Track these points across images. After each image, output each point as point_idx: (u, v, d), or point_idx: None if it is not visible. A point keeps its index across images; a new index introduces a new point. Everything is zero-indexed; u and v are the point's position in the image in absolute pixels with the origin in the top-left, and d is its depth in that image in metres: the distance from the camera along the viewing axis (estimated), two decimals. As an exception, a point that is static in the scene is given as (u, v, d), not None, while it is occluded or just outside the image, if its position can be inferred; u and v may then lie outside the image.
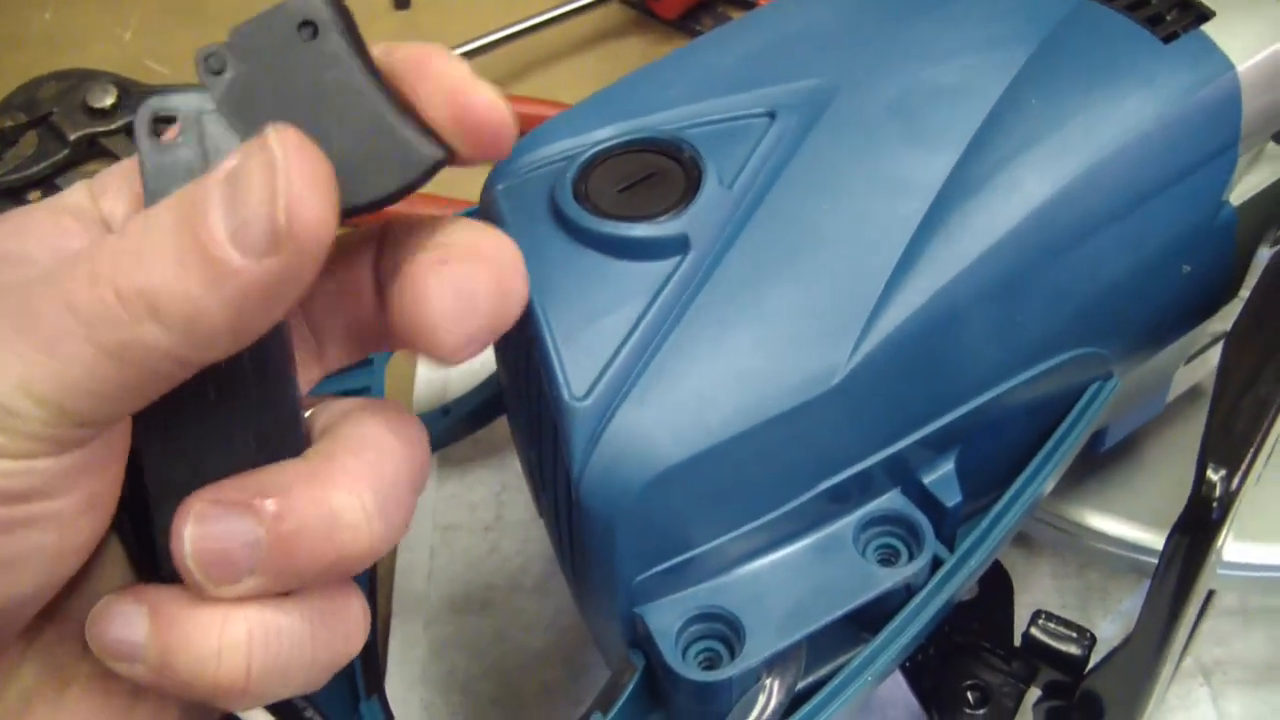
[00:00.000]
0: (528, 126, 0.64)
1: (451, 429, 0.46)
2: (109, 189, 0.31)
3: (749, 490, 0.32)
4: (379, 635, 0.48)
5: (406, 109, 0.29)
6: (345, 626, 0.30)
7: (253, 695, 0.28)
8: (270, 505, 0.27)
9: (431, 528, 0.53)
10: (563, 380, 0.31)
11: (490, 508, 0.53)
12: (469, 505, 0.54)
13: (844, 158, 0.34)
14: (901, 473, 0.34)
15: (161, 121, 0.28)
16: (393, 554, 0.51)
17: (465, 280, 0.28)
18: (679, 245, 0.32)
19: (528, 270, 0.29)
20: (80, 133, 0.66)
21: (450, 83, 0.29)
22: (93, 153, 0.67)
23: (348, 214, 0.28)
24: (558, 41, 0.72)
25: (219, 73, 0.28)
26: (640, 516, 0.31)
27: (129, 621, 0.28)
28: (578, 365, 0.31)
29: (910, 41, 0.37)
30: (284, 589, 0.28)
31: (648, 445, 0.31)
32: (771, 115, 0.35)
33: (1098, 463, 0.45)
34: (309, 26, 0.28)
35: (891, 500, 0.34)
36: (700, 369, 0.31)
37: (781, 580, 0.33)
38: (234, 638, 0.28)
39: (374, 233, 0.32)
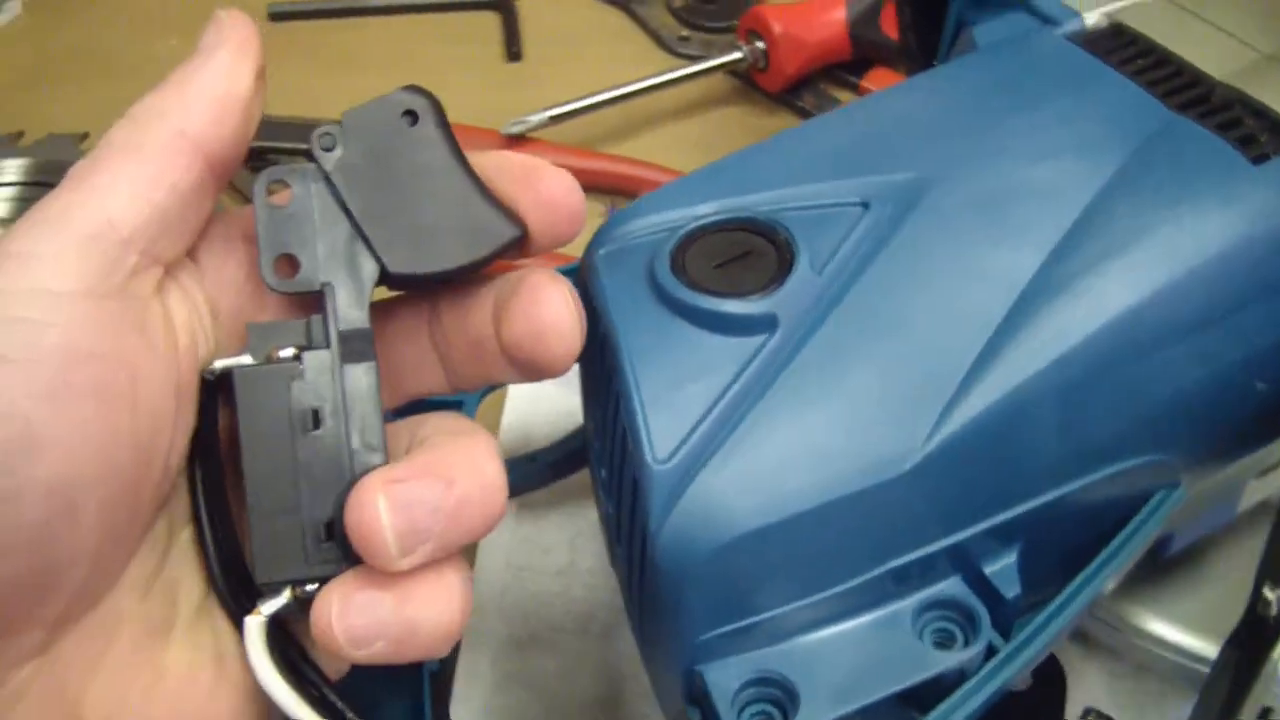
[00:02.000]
0: (626, 186, 0.68)
1: (536, 475, 0.48)
2: (208, 246, 0.35)
3: (816, 563, 0.33)
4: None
5: (489, 191, 0.33)
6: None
7: (456, 637, 0.32)
8: (446, 472, 0.31)
9: (505, 566, 0.54)
10: (647, 442, 0.32)
11: (564, 553, 0.55)
12: (543, 549, 0.55)
13: (933, 251, 0.35)
14: (964, 560, 0.35)
15: (276, 187, 0.33)
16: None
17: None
18: (768, 323, 0.34)
19: (623, 331, 0.33)
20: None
21: (529, 170, 0.34)
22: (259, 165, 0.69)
23: (431, 280, 0.33)
24: (663, 105, 0.73)
25: (329, 150, 0.33)
26: (710, 578, 0.32)
27: (372, 606, 0.31)
28: (662, 429, 0.33)
29: (1004, 141, 0.38)
30: (445, 554, 0.32)
31: (723, 511, 0.32)
32: (865, 205, 0.36)
33: (1162, 566, 0.46)
34: (410, 115, 0.33)
35: (952, 586, 0.35)
36: (779, 443, 0.32)
37: (839, 652, 0.34)
38: (459, 594, 0.32)
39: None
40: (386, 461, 0.33)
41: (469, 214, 0.33)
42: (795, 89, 0.74)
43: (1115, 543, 0.37)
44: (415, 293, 0.36)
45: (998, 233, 0.36)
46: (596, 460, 0.39)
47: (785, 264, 0.35)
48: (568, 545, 0.55)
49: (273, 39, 0.77)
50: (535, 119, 0.68)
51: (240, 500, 0.33)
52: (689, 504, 0.32)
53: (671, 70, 0.72)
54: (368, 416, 0.33)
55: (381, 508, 0.30)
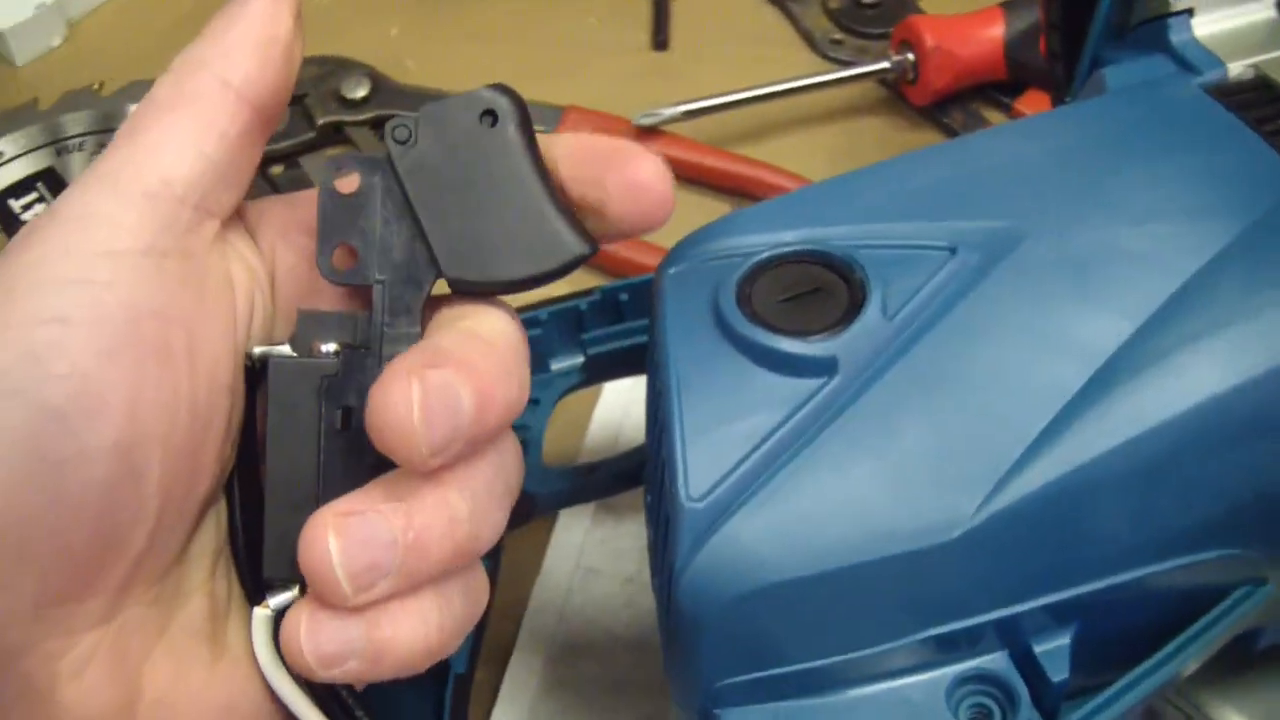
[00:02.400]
0: (753, 189, 0.66)
1: (593, 487, 0.47)
2: (269, 222, 0.35)
3: (846, 623, 0.32)
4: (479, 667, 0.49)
5: (564, 204, 0.32)
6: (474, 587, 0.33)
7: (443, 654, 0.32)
8: (400, 507, 0.30)
9: (574, 567, 0.53)
10: (683, 478, 0.31)
11: (635, 559, 0.54)
12: (615, 552, 0.54)
13: (1015, 308, 0.33)
14: (1011, 636, 0.33)
15: (342, 174, 0.32)
16: (528, 589, 0.52)
17: None
18: (827, 367, 0.32)
19: (676, 358, 0.33)
20: (328, 119, 0.69)
21: (619, 154, 0.33)
22: (338, 139, 0.70)
23: (493, 289, 0.32)
24: (804, 109, 0.72)
25: (403, 142, 0.32)
26: (730, 626, 0.31)
27: (341, 627, 0.30)
28: (700, 465, 0.31)
29: (1110, 196, 0.36)
30: (411, 587, 0.31)
31: (751, 559, 0.31)
32: (952, 250, 0.35)
33: (1253, 659, 0.43)
34: (490, 115, 0.32)
35: (995, 661, 0.33)
36: (820, 494, 0.31)
37: (865, 715, 0.33)
38: (447, 611, 0.31)
39: None
40: None
41: (538, 225, 0.32)
42: (944, 105, 0.71)
43: (1181, 639, 0.35)
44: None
45: (1087, 296, 0.33)
46: (646, 482, 0.38)
47: (855, 305, 0.33)
48: (640, 553, 0.54)
49: (425, 5, 0.78)
50: (668, 112, 0.67)
51: None
52: (717, 547, 0.31)
53: (817, 74, 0.70)
54: None
55: (331, 545, 0.30)
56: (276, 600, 0.32)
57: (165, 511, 0.30)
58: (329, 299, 0.34)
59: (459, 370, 0.30)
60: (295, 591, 0.32)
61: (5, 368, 0.28)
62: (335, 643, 0.30)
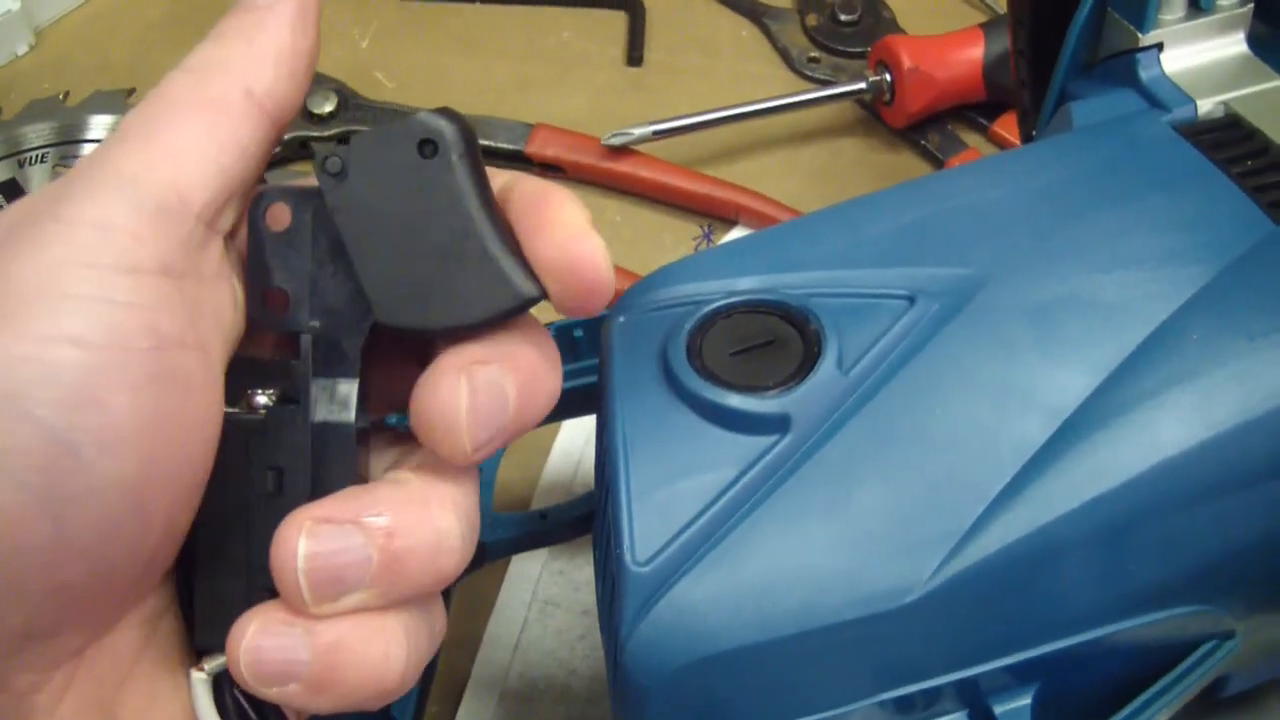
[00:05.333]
0: (724, 212, 0.65)
1: (544, 533, 0.46)
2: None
3: (799, 689, 0.31)
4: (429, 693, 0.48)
5: (510, 242, 0.29)
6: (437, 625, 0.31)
7: (395, 693, 0.30)
8: (382, 521, 0.28)
9: (531, 599, 0.52)
10: (628, 540, 0.30)
11: (593, 592, 0.53)
12: (573, 584, 0.53)
13: (975, 361, 0.32)
14: (970, 697, 0.32)
15: (274, 207, 0.30)
16: (482, 624, 0.51)
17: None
18: (779, 424, 0.31)
19: (623, 414, 0.31)
20: (294, 134, 0.68)
21: (564, 228, 0.29)
22: (303, 154, 0.68)
23: (432, 335, 0.30)
24: (780, 128, 0.71)
25: (336, 174, 0.29)
26: (678, 693, 0.30)
27: (291, 642, 0.28)
28: (647, 527, 0.30)
29: (1075, 241, 0.35)
30: (382, 606, 0.29)
31: (699, 626, 0.30)
32: (911, 299, 0.33)
33: (1219, 705, 0.42)
34: (429, 145, 0.29)
35: (955, 723, 0.33)
36: (770, 558, 0.30)
37: (821, 780, 0.32)
38: (402, 646, 0.29)
39: None
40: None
41: (481, 266, 0.29)
42: (921, 126, 0.70)
43: (1147, 695, 0.34)
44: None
45: (1050, 347, 0.32)
46: (594, 537, 0.37)
47: (810, 358, 0.32)
48: (600, 586, 0.53)
49: (396, 16, 0.77)
50: (639, 132, 0.66)
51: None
52: (663, 613, 0.30)
53: (791, 94, 0.68)
54: (336, 484, 0.30)
55: (300, 549, 0.28)
56: (214, 664, 0.30)
57: (162, 547, 0.29)
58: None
59: (504, 366, 0.29)
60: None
61: (18, 389, 0.25)
62: (279, 658, 0.28)
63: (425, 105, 0.71)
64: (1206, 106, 0.40)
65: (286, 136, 0.66)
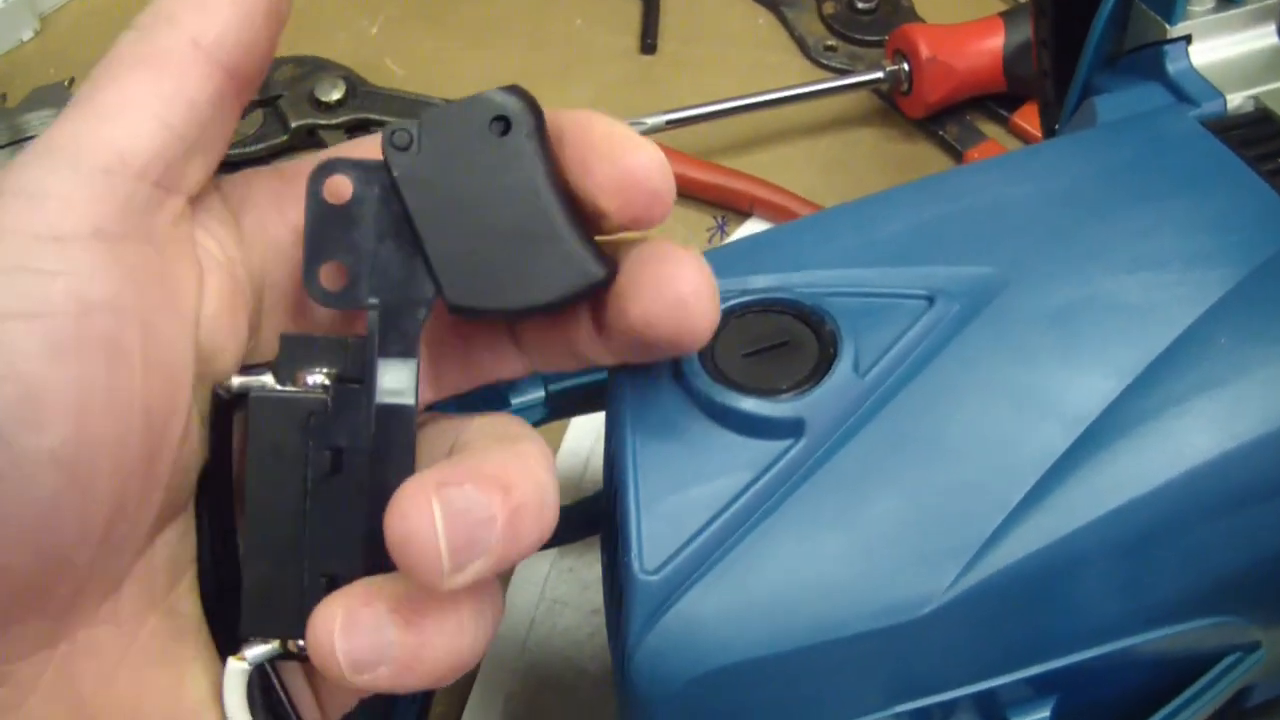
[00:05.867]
0: (738, 203, 0.64)
1: (554, 534, 0.45)
2: (254, 202, 0.31)
3: (811, 703, 0.30)
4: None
5: (579, 222, 0.29)
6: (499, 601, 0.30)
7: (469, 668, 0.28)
8: (501, 477, 0.27)
9: (539, 598, 0.52)
10: (636, 548, 0.29)
11: (602, 592, 0.52)
12: (582, 584, 0.52)
13: (995, 365, 0.31)
14: (987, 710, 0.31)
15: (334, 178, 0.29)
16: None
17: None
18: (793, 429, 0.30)
19: (633, 418, 0.30)
20: (302, 121, 0.67)
21: (611, 142, 0.29)
22: (310, 142, 0.68)
23: (500, 316, 0.30)
24: (795, 118, 0.69)
25: (403, 149, 0.28)
26: (684, 706, 0.29)
27: (379, 626, 0.27)
28: (655, 535, 0.29)
29: (1099, 241, 0.34)
30: (501, 571, 0.27)
31: (709, 638, 0.29)
32: (930, 300, 0.32)
33: (1243, 715, 0.41)
34: (501, 121, 0.28)
35: (972, 736, 0.32)
36: (782, 568, 0.29)
37: (832, 793, 0.31)
38: (480, 623, 0.28)
39: None
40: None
41: (552, 246, 0.28)
42: (939, 117, 0.69)
43: (1169, 708, 0.33)
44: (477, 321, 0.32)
45: (1072, 351, 0.31)
46: (602, 542, 0.36)
47: (825, 360, 0.31)
48: (609, 585, 0.52)
49: (405, 3, 0.76)
50: (652, 121, 0.65)
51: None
52: (671, 624, 0.29)
53: (807, 84, 0.67)
54: (396, 467, 0.29)
55: (437, 514, 0.26)
56: (254, 652, 0.29)
57: (115, 526, 0.27)
58: (319, 313, 0.31)
59: (483, 486, 0.27)
60: (275, 645, 0.29)
61: None
62: (370, 645, 0.27)
63: (435, 93, 0.71)
64: (1236, 101, 0.38)
65: (295, 124, 0.66)
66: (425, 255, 0.29)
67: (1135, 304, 0.32)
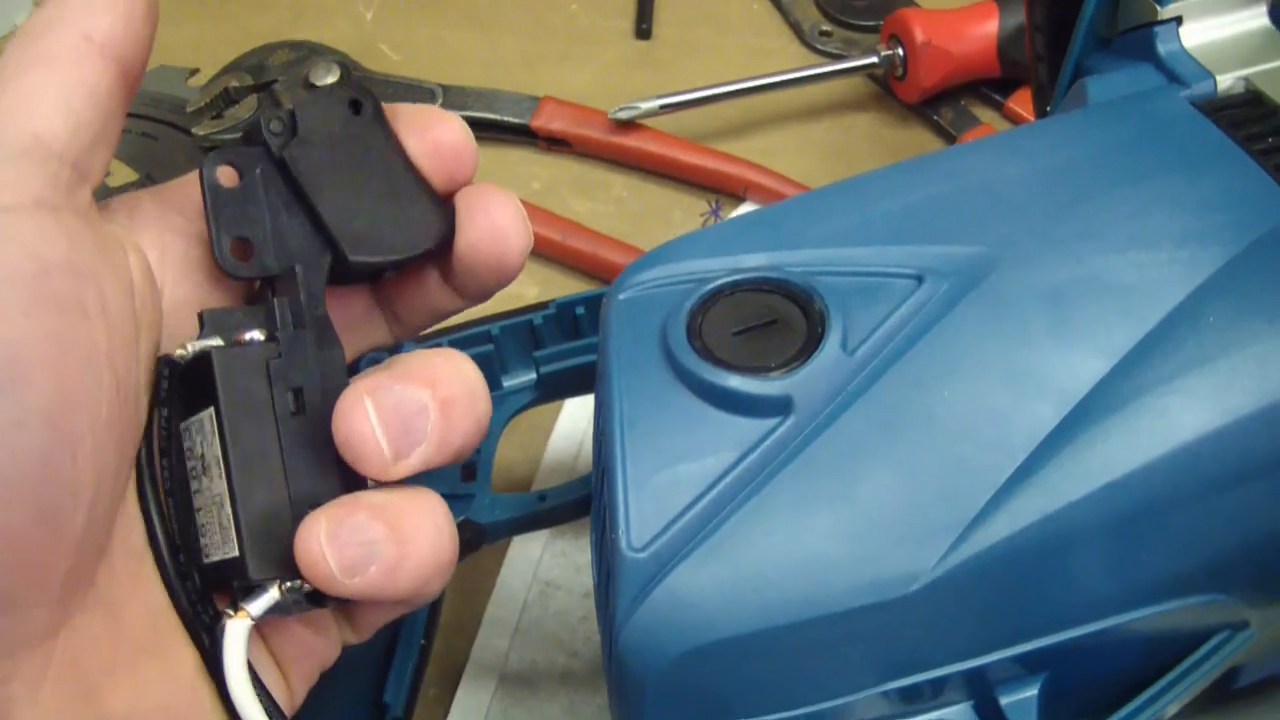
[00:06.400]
0: (732, 187, 0.64)
1: (544, 516, 0.45)
2: (143, 214, 0.33)
3: (799, 678, 0.30)
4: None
5: (428, 183, 0.34)
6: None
7: (448, 571, 0.32)
8: (428, 375, 0.31)
9: (532, 581, 0.52)
10: (624, 525, 0.29)
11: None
12: (575, 566, 0.52)
13: (984, 343, 0.31)
14: (976, 687, 0.31)
15: (222, 168, 0.32)
16: (482, 606, 0.50)
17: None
18: (781, 407, 0.30)
19: (621, 395, 0.31)
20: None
21: (419, 116, 0.35)
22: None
23: (390, 266, 0.34)
24: (790, 103, 0.69)
25: (279, 134, 0.32)
26: (674, 683, 0.29)
27: (362, 527, 0.30)
28: (643, 513, 0.30)
29: (1089, 220, 0.34)
30: (441, 462, 0.31)
31: (695, 615, 0.29)
32: (919, 279, 0.32)
33: (1231, 697, 0.42)
34: (355, 105, 0.33)
35: (959, 714, 0.32)
36: (770, 545, 0.29)
37: (820, 771, 0.31)
38: (443, 514, 0.31)
39: None
40: None
41: (415, 203, 0.34)
42: (934, 102, 0.69)
43: (1158, 687, 0.33)
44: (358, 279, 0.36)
45: (1061, 330, 0.31)
46: (592, 521, 0.36)
47: (813, 339, 0.31)
48: (603, 568, 0.52)
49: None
50: (646, 106, 0.65)
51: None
52: (660, 601, 0.29)
53: (802, 69, 0.67)
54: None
55: (370, 410, 0.30)
56: (256, 605, 0.30)
57: (99, 489, 0.28)
58: (217, 298, 0.33)
59: (413, 383, 0.30)
60: (274, 591, 0.30)
61: None
62: (357, 544, 0.29)
63: (431, 78, 0.71)
64: (1227, 82, 0.38)
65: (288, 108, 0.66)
66: (321, 221, 0.32)
67: (1125, 282, 0.32)
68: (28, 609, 0.27)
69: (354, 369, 0.36)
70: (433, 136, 0.34)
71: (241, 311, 0.32)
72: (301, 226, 0.32)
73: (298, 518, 0.30)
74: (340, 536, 0.29)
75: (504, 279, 0.35)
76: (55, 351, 0.27)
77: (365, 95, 0.33)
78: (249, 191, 0.32)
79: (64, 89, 0.29)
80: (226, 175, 0.32)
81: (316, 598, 0.31)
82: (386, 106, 0.34)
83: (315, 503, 0.30)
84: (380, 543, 0.29)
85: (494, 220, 0.34)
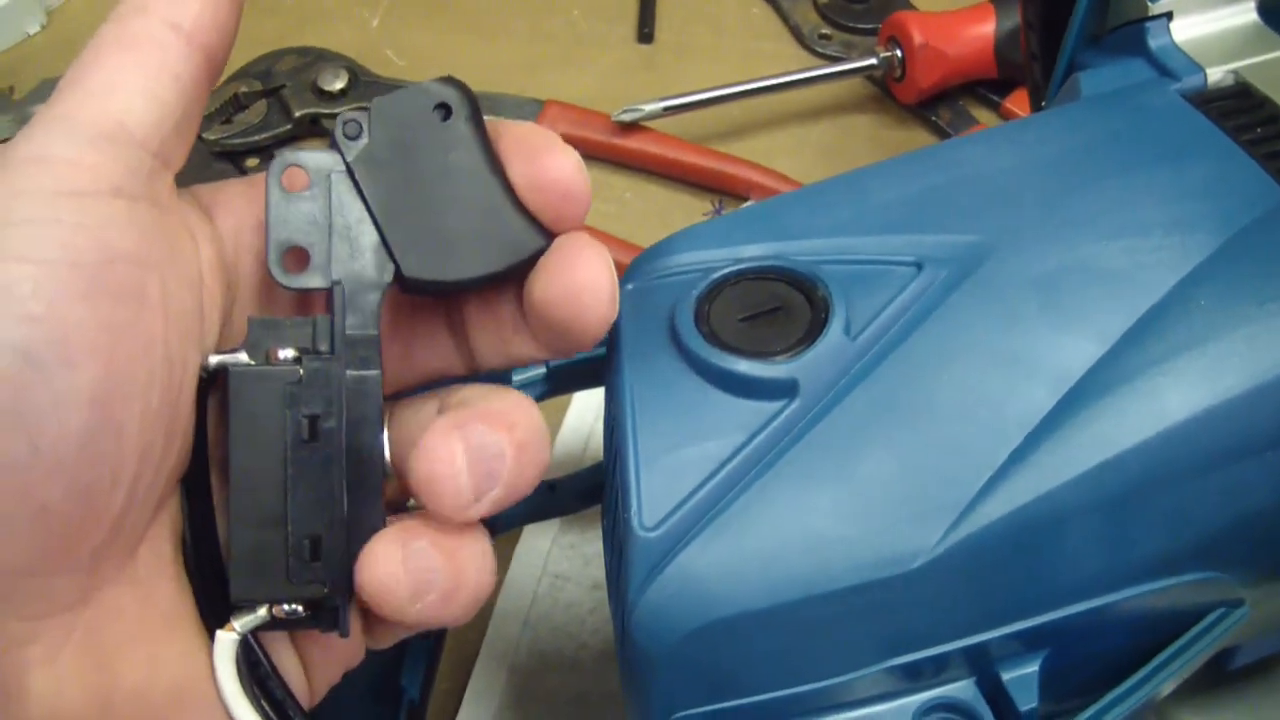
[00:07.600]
0: (735, 188, 0.65)
1: (553, 505, 0.46)
2: (228, 204, 0.33)
3: (806, 654, 0.31)
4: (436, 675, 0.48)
5: (517, 197, 0.32)
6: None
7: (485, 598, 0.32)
8: (505, 418, 0.30)
9: (541, 573, 0.52)
10: (636, 506, 0.30)
11: (604, 565, 0.53)
12: (584, 558, 0.53)
13: (982, 328, 0.32)
14: (978, 664, 0.32)
15: (291, 170, 0.31)
16: (492, 598, 0.51)
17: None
18: (786, 389, 0.31)
19: (631, 380, 0.32)
20: (305, 111, 0.68)
21: (532, 147, 0.32)
22: (314, 131, 0.69)
23: (447, 288, 0.32)
24: (790, 105, 0.70)
25: (354, 138, 0.31)
26: (685, 659, 0.30)
27: (428, 554, 0.30)
28: (654, 493, 0.30)
29: (1083, 209, 0.35)
30: (507, 505, 0.31)
31: (705, 591, 0.30)
32: (918, 266, 0.33)
33: (1227, 677, 0.42)
34: (443, 109, 0.31)
35: (962, 690, 0.32)
36: (777, 523, 0.30)
37: (827, 746, 0.32)
38: (489, 545, 0.32)
39: None
40: (388, 476, 0.31)
41: (495, 221, 0.31)
42: (932, 103, 0.70)
43: (1155, 663, 0.34)
44: (428, 296, 0.34)
45: (1056, 315, 0.32)
46: (603, 506, 0.37)
47: (817, 324, 0.32)
48: (611, 560, 0.53)
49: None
50: (649, 108, 0.66)
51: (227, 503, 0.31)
52: (671, 578, 0.30)
53: (802, 70, 0.68)
54: (368, 431, 0.31)
55: (458, 451, 0.30)
56: (242, 622, 0.30)
57: (142, 474, 0.29)
58: (283, 300, 0.33)
59: (495, 424, 0.30)
60: (263, 613, 0.31)
61: None
62: (424, 572, 0.30)
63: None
64: (1216, 75, 0.39)
65: (298, 113, 0.67)
66: (381, 233, 0.31)
67: (1119, 269, 0.33)
68: (55, 577, 0.28)
69: (425, 387, 0.35)
70: (541, 166, 0.32)
71: (289, 324, 0.31)
72: (366, 239, 0.31)
73: (294, 549, 0.30)
74: (413, 563, 0.30)
75: (580, 343, 0.33)
76: (108, 338, 0.27)
77: (455, 98, 0.31)
78: (315, 197, 0.31)
79: (150, 76, 0.29)
80: (293, 179, 0.31)
81: (316, 619, 0.31)
82: (490, 122, 0.32)
83: (313, 535, 0.30)
84: (440, 572, 0.30)
85: (576, 280, 0.31)
